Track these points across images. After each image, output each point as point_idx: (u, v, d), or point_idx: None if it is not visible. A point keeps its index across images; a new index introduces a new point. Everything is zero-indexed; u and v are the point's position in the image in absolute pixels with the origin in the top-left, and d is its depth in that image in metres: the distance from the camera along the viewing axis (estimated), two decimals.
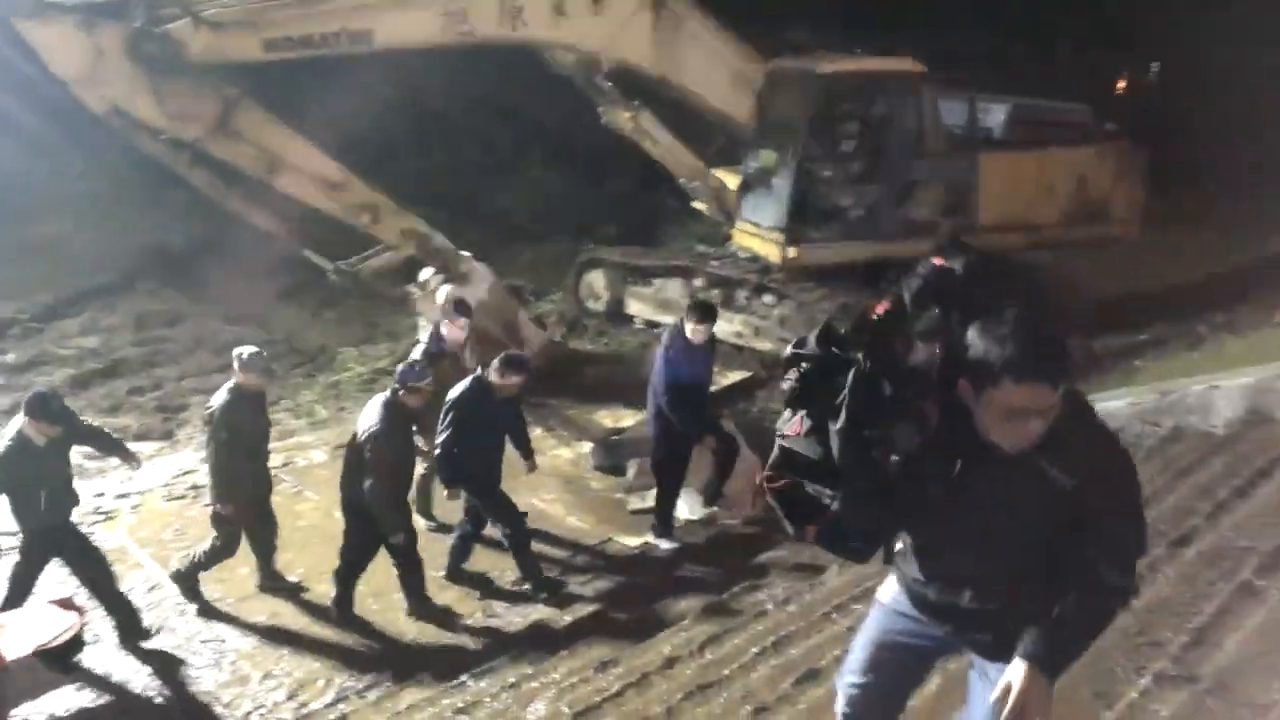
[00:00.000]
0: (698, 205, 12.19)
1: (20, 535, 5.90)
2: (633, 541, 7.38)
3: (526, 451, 6.85)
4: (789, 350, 2.64)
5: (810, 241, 10.17)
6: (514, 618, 6.48)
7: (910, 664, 3.03)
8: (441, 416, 6.31)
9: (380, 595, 6.51)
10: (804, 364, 2.58)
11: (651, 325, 11.49)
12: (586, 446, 8.85)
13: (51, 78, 7.80)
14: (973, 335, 2.39)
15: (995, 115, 10.88)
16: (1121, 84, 14.96)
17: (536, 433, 7.53)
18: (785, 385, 2.62)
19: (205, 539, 6.55)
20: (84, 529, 6.36)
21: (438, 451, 6.39)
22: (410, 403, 6.10)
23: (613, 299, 11.94)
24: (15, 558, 6.00)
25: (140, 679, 5.90)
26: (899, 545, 2.81)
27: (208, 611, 6.50)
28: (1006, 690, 2.43)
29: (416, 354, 7.14)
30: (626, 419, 9.22)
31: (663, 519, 7.29)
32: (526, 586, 6.72)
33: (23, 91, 10.86)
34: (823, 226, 10.27)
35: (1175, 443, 6.97)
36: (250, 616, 6.48)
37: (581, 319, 12.16)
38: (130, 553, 7.17)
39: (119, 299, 12.71)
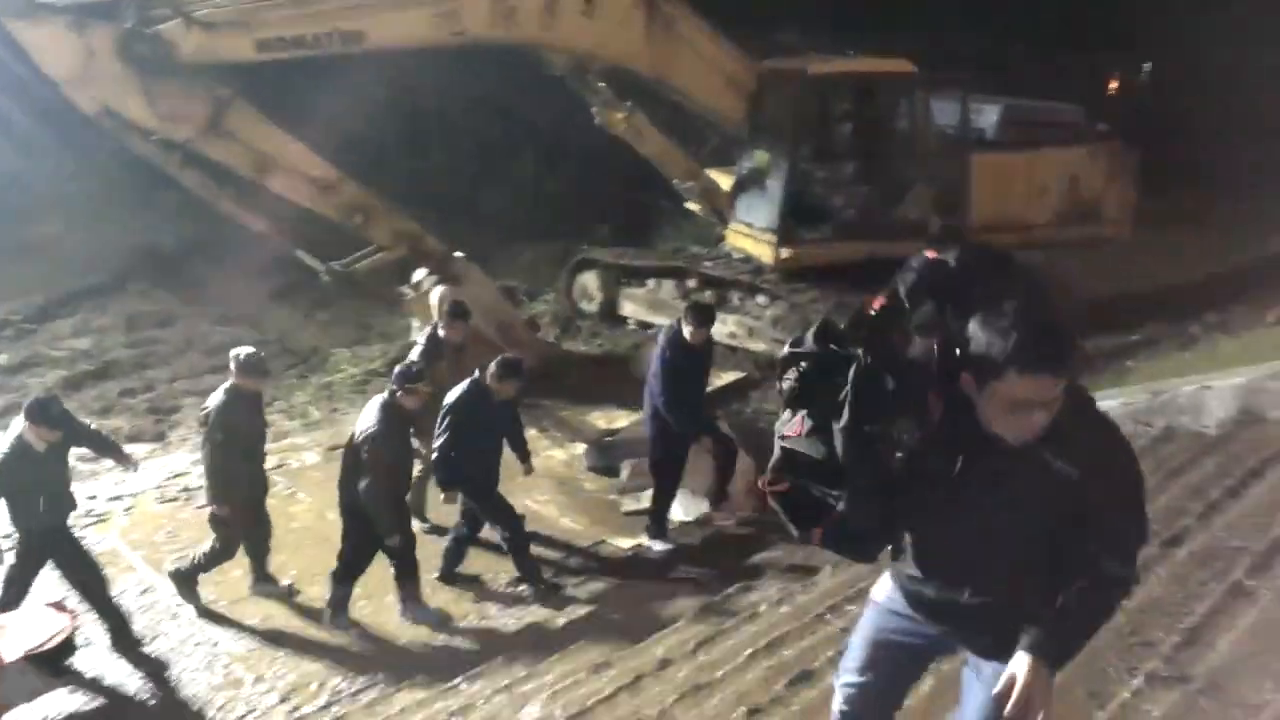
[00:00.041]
0: (691, 206, 12.19)
1: (17, 538, 5.88)
2: (626, 543, 7.38)
3: (523, 454, 6.85)
4: (786, 350, 2.62)
5: (803, 242, 10.18)
6: (508, 620, 6.47)
7: (906, 662, 3.02)
8: (439, 420, 6.31)
9: (373, 597, 6.50)
10: (803, 363, 2.56)
11: (645, 326, 11.48)
12: (580, 448, 8.85)
13: (43, 78, 7.78)
14: (974, 328, 2.37)
15: (987, 116, 10.89)
16: (1113, 84, 14.98)
17: (530, 434, 7.51)
18: (785, 385, 2.59)
19: (199, 541, 6.54)
20: (76, 532, 6.34)
21: (435, 455, 6.38)
22: (408, 404, 6.09)
23: (606, 300, 11.93)
24: (11, 560, 5.97)
25: (132, 682, 5.88)
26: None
27: (206, 613, 6.48)
28: (1009, 683, 2.41)
29: (414, 355, 7.14)
30: (620, 420, 9.22)
31: (657, 520, 7.28)
32: (521, 589, 6.72)
33: (14, 92, 10.82)
34: (816, 227, 10.28)
35: (1167, 443, 6.99)
36: (243, 619, 6.46)
37: (575, 320, 12.14)
38: (122, 555, 7.15)
39: (111, 300, 12.69)
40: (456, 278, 9.82)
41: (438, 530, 7.18)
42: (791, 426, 2.56)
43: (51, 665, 5.56)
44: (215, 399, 6.30)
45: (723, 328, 10.12)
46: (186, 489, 8.05)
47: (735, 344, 10.38)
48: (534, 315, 12.16)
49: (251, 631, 6.36)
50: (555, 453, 8.80)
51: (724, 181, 11.32)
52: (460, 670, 5.71)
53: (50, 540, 5.88)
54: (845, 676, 3.05)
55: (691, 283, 11.06)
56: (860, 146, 10.52)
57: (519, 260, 14.01)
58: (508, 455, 6.72)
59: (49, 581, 6.12)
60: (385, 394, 6.14)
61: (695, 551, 7.25)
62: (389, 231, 9.55)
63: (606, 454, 8.55)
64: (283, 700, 5.71)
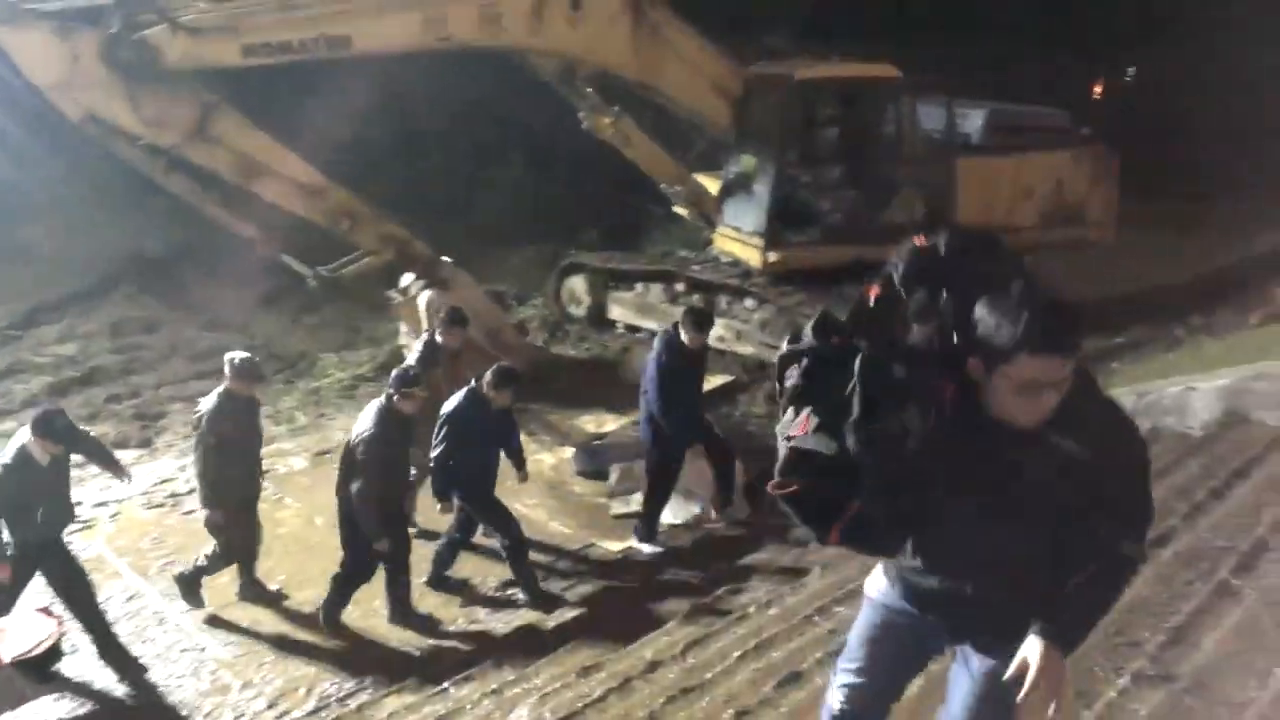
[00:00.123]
0: (678, 210, 12.21)
1: (11, 546, 5.84)
2: (615, 546, 7.38)
3: (519, 462, 6.84)
4: (785, 348, 2.58)
5: (790, 246, 10.21)
6: (496, 623, 6.46)
7: (905, 657, 2.98)
8: (436, 429, 6.31)
9: (361, 602, 6.48)
10: (804, 359, 2.52)
11: (633, 330, 11.51)
12: (569, 452, 8.85)
13: (29, 83, 7.75)
14: (981, 312, 2.34)
15: (972, 120, 10.96)
16: (1098, 88, 15.08)
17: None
18: (787, 384, 2.54)
19: (185, 547, 6.53)
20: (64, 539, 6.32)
21: (432, 464, 6.38)
22: (404, 408, 6.09)
23: (594, 304, 11.94)
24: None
25: (119, 689, 5.85)
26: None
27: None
28: (1021, 669, 2.38)
29: (411, 360, 7.15)
30: (608, 424, 9.23)
31: (648, 522, 7.28)
32: (510, 592, 6.72)
33: (1, 97, 10.78)
34: (802, 231, 10.32)
35: (1152, 444, 6.96)
36: (230, 625, 6.43)
37: (563, 324, 12.15)
38: (108, 561, 7.12)
39: (97, 305, 12.65)
40: (444, 282, 9.81)
41: (426, 534, 7.17)
42: (796, 426, 2.49)
43: (38, 671, 5.52)
44: (207, 403, 6.30)
45: (710, 331, 10.13)
46: (173, 495, 8.03)
47: (723, 347, 10.39)
48: (522, 319, 12.15)
49: (239, 637, 6.34)
50: (544, 456, 8.80)
51: (711, 186, 11.34)
52: (449, 674, 5.69)
53: (44, 550, 5.85)
54: (843, 676, 3.01)
55: (679, 286, 11.08)
56: (846, 151, 10.55)
57: (507, 264, 14.02)
58: (503, 461, 6.72)
59: (36, 587, 6.08)
60: (382, 398, 6.15)
61: (684, 554, 7.25)
62: (376, 236, 9.53)
63: (595, 457, 8.55)
64: (270, 706, 5.69)
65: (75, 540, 7.11)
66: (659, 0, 10.10)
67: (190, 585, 6.51)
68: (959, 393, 2.39)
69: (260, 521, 6.74)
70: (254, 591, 6.68)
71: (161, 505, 7.97)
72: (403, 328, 10.46)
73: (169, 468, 8.57)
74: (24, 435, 5.64)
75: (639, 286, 11.56)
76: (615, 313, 11.81)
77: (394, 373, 6.28)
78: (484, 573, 6.93)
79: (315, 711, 5.60)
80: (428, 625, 6.39)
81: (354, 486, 5.94)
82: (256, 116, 8.75)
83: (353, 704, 5.62)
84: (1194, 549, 5.14)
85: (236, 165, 8.52)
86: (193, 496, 7.35)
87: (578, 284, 12.12)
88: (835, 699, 3.02)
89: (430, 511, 6.84)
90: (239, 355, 6.40)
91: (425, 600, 6.61)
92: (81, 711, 5.68)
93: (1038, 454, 2.38)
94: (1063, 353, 2.29)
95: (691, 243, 12.46)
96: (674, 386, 6.89)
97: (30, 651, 5.30)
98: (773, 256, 10.15)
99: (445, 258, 10.09)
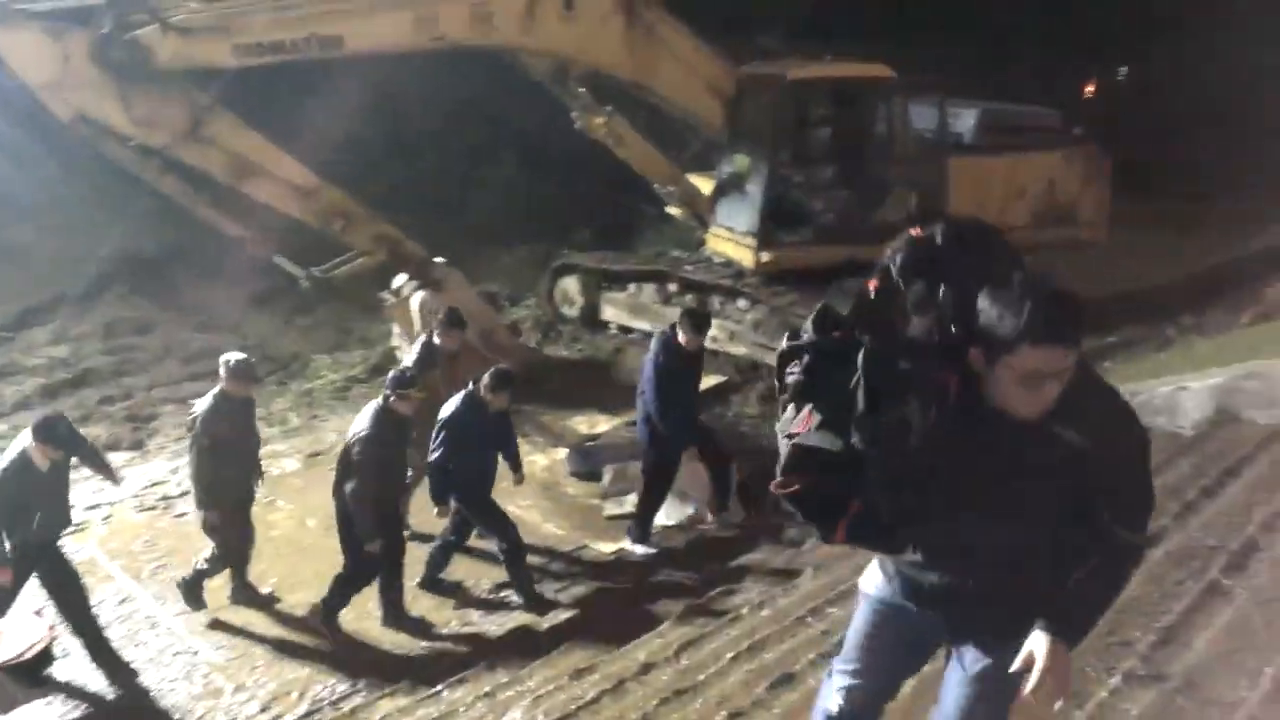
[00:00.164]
0: (671, 210, 12.21)
1: (9, 550, 5.82)
2: (608, 547, 7.38)
3: (515, 464, 6.84)
4: (784, 344, 2.56)
5: (783, 246, 10.21)
6: (489, 626, 6.46)
7: (904, 654, 2.97)
8: (434, 433, 6.31)
9: (354, 604, 6.46)
10: (805, 356, 2.50)
11: (625, 330, 11.50)
12: (562, 453, 8.84)
13: (21, 84, 7.73)
14: (983, 303, 2.32)
15: (965, 120, 10.97)
16: (1090, 88, 15.11)
17: None
18: (788, 380, 2.52)
19: (177, 550, 6.51)
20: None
21: (430, 467, 6.37)
22: (401, 409, 6.09)
23: (587, 304, 11.93)
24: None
25: (111, 693, 5.83)
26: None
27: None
28: (1027, 663, 2.37)
29: (409, 361, 7.14)
30: (602, 424, 9.22)
31: (642, 523, 7.28)
32: (504, 595, 6.71)
33: None
34: (795, 231, 10.31)
35: None
36: (223, 628, 6.42)
37: (556, 324, 12.14)
38: (100, 564, 7.10)
39: (89, 307, 12.60)
40: (437, 283, 9.80)
41: (420, 537, 7.15)
42: (798, 423, 2.47)
43: (30, 675, 5.52)
44: (202, 404, 6.28)
45: (708, 333, 10.13)
46: (165, 497, 8.01)
47: (716, 348, 10.39)
48: (515, 320, 12.14)
49: (231, 640, 6.32)
50: (537, 458, 8.79)
51: (704, 186, 11.34)
52: (442, 677, 5.69)
53: (40, 554, 5.84)
54: (840, 678, 3.00)
55: (672, 287, 11.08)
56: (839, 151, 10.56)
57: (500, 264, 14.00)
58: (500, 464, 6.71)
59: (29, 590, 6.06)
60: (379, 399, 6.15)
61: (678, 555, 7.24)
62: (369, 237, 9.52)
63: (588, 459, 8.55)
64: (263, 709, 5.68)
65: (68, 543, 7.09)
66: None
67: (192, 589, 6.50)
68: (961, 384, 2.38)
69: (253, 524, 6.72)
70: (246, 595, 6.66)
71: (153, 508, 7.95)
72: (395, 329, 10.45)
73: (161, 470, 8.55)
74: (25, 439, 5.62)
75: (632, 287, 11.56)
76: (608, 313, 11.81)
77: (391, 374, 6.29)
78: (477, 575, 6.93)
79: (308, 715, 5.59)
80: (421, 628, 6.39)
81: (349, 487, 5.94)
82: (249, 117, 8.74)
83: (346, 707, 5.61)
84: (1185, 548, 5.14)
85: (229, 166, 8.51)
86: (185, 499, 7.34)
87: (570, 284, 12.11)
88: (833, 700, 3.00)
89: (424, 514, 6.84)
90: (235, 356, 6.39)
91: (418, 603, 6.60)
92: (73, 716, 5.66)
93: (1039, 444, 2.37)
94: (1065, 343, 2.28)
95: (684, 243, 12.45)
96: (671, 388, 6.89)
97: (21, 656, 5.30)
98: (765, 257, 10.14)
99: (438, 258, 10.08)
